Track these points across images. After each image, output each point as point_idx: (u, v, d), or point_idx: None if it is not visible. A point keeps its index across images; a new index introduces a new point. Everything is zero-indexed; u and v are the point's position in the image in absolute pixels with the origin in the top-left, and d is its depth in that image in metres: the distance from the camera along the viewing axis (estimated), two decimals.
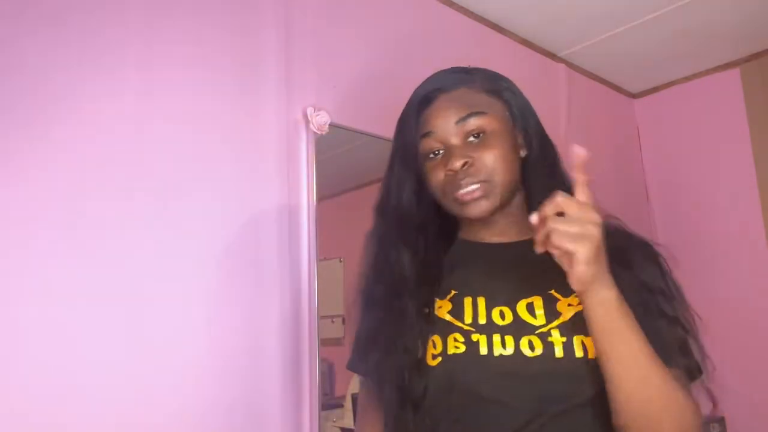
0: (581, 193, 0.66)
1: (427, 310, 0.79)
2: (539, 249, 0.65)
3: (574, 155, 0.67)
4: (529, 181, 0.84)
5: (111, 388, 0.94)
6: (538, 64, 2.06)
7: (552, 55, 2.11)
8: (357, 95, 1.42)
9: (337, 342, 1.39)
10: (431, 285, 0.81)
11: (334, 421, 1.38)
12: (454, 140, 0.79)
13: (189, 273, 1.07)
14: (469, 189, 0.77)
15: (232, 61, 1.20)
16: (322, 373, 1.20)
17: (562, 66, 2.13)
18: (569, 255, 0.62)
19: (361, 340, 0.84)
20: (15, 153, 0.91)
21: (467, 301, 0.79)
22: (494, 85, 0.84)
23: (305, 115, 1.28)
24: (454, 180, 0.78)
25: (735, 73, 2.24)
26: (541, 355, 0.72)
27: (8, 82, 0.92)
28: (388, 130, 1.46)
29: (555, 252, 0.64)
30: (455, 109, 0.80)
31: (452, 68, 0.87)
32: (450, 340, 0.75)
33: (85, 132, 0.98)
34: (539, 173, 0.83)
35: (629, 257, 0.78)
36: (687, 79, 2.38)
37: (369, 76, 1.47)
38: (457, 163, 0.77)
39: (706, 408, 0.80)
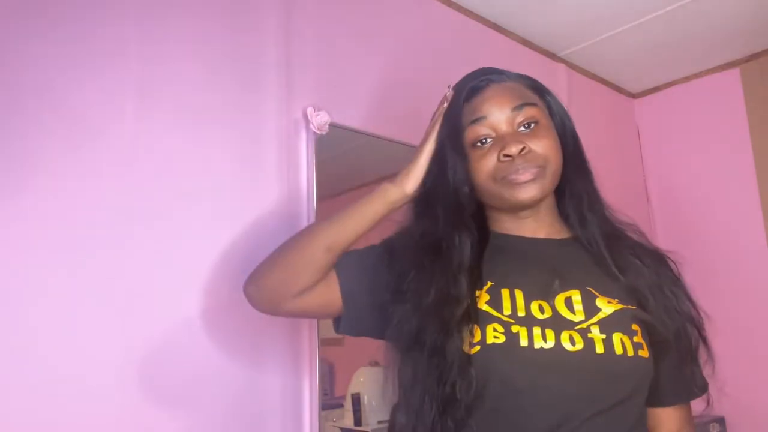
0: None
1: (469, 304, 0.77)
2: None
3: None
4: (561, 182, 0.84)
5: (110, 388, 0.94)
6: (538, 64, 2.06)
7: (552, 55, 2.11)
8: (357, 95, 1.42)
9: (337, 342, 1.39)
10: (475, 275, 0.80)
11: (334, 421, 1.39)
12: (506, 127, 0.79)
13: (188, 272, 1.07)
14: (525, 172, 0.77)
15: (232, 61, 1.20)
16: (322, 373, 1.20)
17: (562, 66, 2.13)
18: None
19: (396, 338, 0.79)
20: (14, 151, 0.91)
21: (505, 293, 0.78)
22: (537, 84, 0.87)
23: (305, 115, 1.28)
24: (510, 165, 0.77)
25: (735, 73, 2.24)
26: (582, 350, 0.72)
27: (7, 81, 0.92)
28: (388, 130, 1.47)
29: None
30: (509, 97, 0.81)
31: (489, 67, 0.88)
32: (489, 329, 0.73)
33: (84, 132, 0.98)
34: (572, 178, 0.85)
35: (650, 259, 0.84)
36: (687, 79, 2.38)
37: (369, 76, 1.47)
38: (515, 149, 0.76)
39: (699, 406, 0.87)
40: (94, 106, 1.00)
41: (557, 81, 2.11)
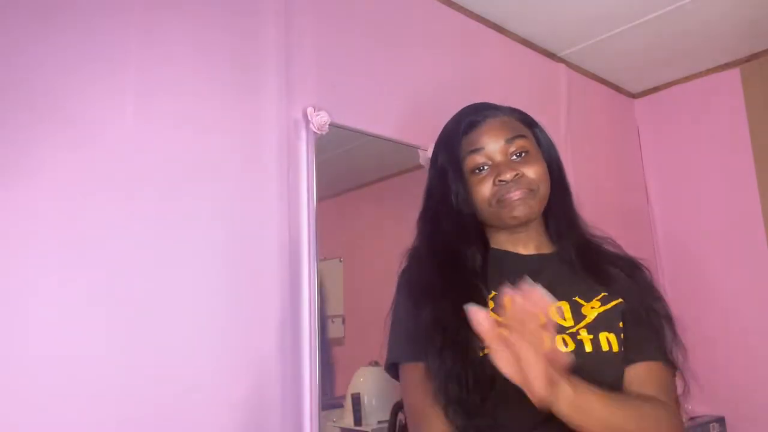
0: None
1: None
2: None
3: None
4: (547, 204, 0.95)
5: (110, 388, 0.94)
6: (538, 64, 2.06)
7: (552, 55, 2.12)
8: (357, 95, 1.42)
9: (337, 342, 1.39)
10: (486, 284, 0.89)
11: (334, 421, 1.39)
12: (501, 157, 0.91)
13: (188, 273, 1.07)
14: (517, 191, 0.88)
15: (233, 61, 1.20)
16: (322, 373, 1.21)
17: (562, 66, 2.13)
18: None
19: (418, 331, 0.86)
20: (16, 154, 0.91)
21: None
22: (527, 117, 0.99)
23: (305, 115, 1.28)
24: (505, 190, 0.89)
25: (735, 73, 2.24)
26: (574, 350, 0.83)
27: (8, 83, 0.92)
28: (388, 130, 1.47)
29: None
30: (503, 130, 0.92)
31: (485, 103, 0.99)
32: None
33: (85, 132, 0.98)
34: (556, 201, 0.96)
35: (626, 268, 0.95)
36: (687, 79, 2.38)
37: (369, 76, 1.47)
38: (509, 175, 0.88)
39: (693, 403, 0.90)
40: (95, 108, 1.00)
41: (557, 81, 2.11)
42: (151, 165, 1.05)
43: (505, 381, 0.79)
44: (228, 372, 1.08)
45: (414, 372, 0.88)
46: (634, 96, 2.54)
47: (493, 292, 0.88)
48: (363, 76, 1.45)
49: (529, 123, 0.98)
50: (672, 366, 0.89)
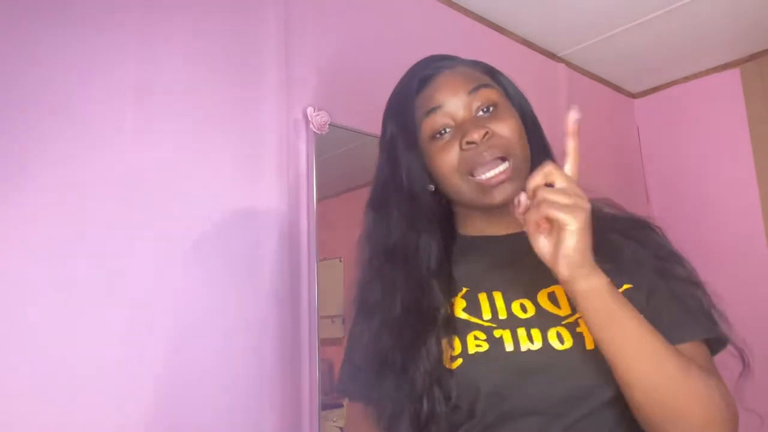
0: (572, 165, 0.62)
1: (446, 311, 0.71)
2: (525, 226, 0.60)
3: (569, 119, 0.61)
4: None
5: (110, 388, 0.94)
6: (538, 64, 2.06)
7: (552, 55, 2.12)
8: (357, 95, 1.42)
9: (337, 342, 1.39)
10: (448, 283, 0.73)
11: (334, 421, 1.38)
12: (465, 113, 0.73)
13: (188, 273, 1.07)
14: (496, 171, 0.70)
15: (233, 61, 1.20)
16: (322, 373, 1.20)
17: (562, 66, 2.13)
18: (557, 228, 0.57)
19: (365, 359, 0.72)
20: (15, 152, 0.91)
21: (482, 297, 0.72)
22: (490, 67, 0.83)
23: (305, 115, 1.28)
24: (475, 155, 0.70)
25: (735, 73, 2.24)
26: (572, 347, 0.65)
27: (8, 84, 0.92)
28: None
29: (539, 228, 0.59)
30: (463, 82, 0.74)
31: (440, 54, 0.83)
32: (470, 338, 0.67)
33: (84, 132, 0.98)
34: (536, 163, 0.73)
35: (631, 230, 0.76)
36: (687, 79, 2.38)
37: (369, 76, 1.47)
38: (477, 135, 0.69)
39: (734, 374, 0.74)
40: (94, 107, 1.00)
41: (557, 81, 2.11)
42: (150, 165, 1.05)
43: (487, 410, 0.64)
44: (228, 372, 1.08)
45: (351, 410, 0.76)
46: (634, 96, 2.54)
47: (465, 288, 0.73)
48: (363, 76, 1.45)
49: (493, 73, 0.81)
50: (719, 342, 0.72)
